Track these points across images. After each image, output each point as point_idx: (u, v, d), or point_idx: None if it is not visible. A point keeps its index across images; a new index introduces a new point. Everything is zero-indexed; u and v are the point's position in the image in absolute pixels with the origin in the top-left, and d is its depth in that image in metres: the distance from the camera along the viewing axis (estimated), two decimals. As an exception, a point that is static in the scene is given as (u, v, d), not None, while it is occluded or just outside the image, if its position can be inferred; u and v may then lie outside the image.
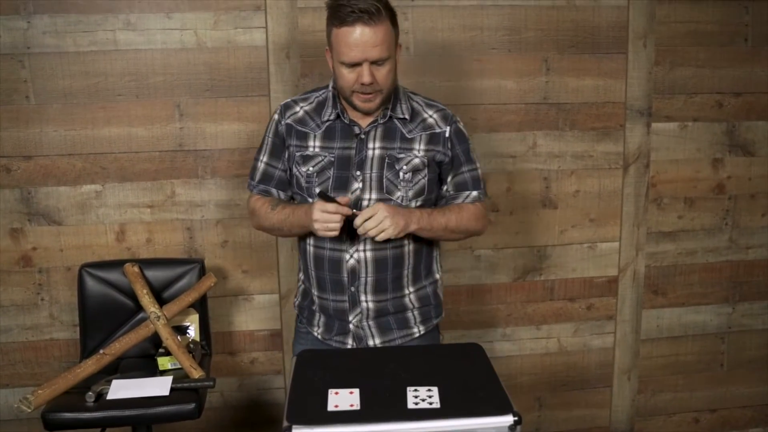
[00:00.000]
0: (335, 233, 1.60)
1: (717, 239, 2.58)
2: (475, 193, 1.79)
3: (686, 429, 2.74)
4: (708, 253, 2.58)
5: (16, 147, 2.21)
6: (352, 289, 1.76)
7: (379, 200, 1.71)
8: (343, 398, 1.40)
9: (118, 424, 1.81)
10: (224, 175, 2.30)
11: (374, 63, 1.59)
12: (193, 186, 2.30)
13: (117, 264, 2.16)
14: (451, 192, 1.79)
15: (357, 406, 1.38)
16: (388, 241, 1.69)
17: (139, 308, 2.10)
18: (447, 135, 1.75)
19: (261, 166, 1.80)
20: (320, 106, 1.75)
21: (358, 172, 1.71)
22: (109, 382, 1.89)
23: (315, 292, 1.80)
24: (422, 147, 1.73)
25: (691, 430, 2.73)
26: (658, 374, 2.67)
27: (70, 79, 2.19)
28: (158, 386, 1.87)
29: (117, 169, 2.26)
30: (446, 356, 1.64)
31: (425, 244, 1.80)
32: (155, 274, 2.16)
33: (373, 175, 1.71)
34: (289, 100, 1.80)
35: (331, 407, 1.38)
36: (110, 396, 1.83)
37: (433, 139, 1.74)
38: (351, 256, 1.74)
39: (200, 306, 2.17)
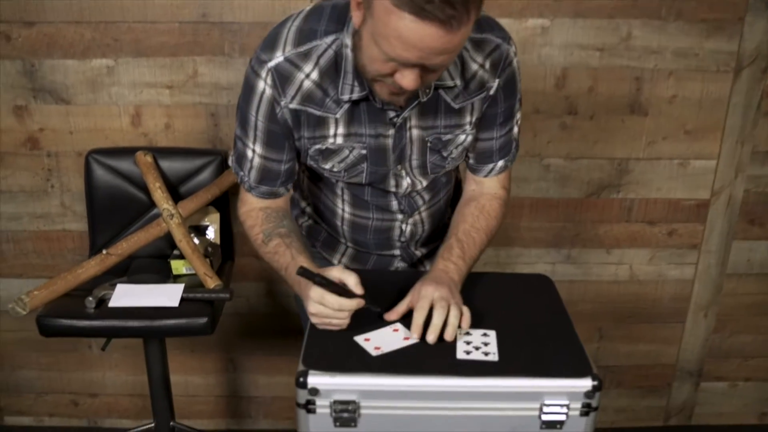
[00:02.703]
0: (340, 328, 1.16)
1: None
2: (501, 163, 1.39)
3: (763, 375, 2.42)
4: (822, 178, 2.16)
5: (16, 11, 1.89)
6: (403, 240, 1.48)
7: (427, 187, 1.40)
8: (375, 338, 1.12)
9: (118, 334, 1.60)
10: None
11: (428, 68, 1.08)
12: (218, 65, 1.97)
13: (129, 152, 1.88)
14: (472, 162, 1.41)
15: (389, 350, 1.10)
16: (438, 190, 1.43)
17: (154, 203, 1.84)
18: (493, 92, 1.29)
19: (256, 159, 1.29)
20: (331, 70, 1.19)
21: (399, 167, 1.33)
22: (113, 287, 1.66)
23: (345, 241, 1.50)
24: (475, 117, 1.31)
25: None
26: (739, 314, 2.33)
27: (76, -72, 1.84)
28: (167, 295, 1.63)
29: (131, 42, 1.94)
30: (507, 290, 1.33)
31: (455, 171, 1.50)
32: (172, 166, 1.89)
33: (414, 162, 1.33)
34: (280, 58, 1.18)
35: (359, 349, 1.10)
36: (112, 303, 1.61)
37: (485, 100, 1.30)
38: (407, 224, 1.45)
39: (222, 204, 1.90)
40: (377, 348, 1.09)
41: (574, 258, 2.22)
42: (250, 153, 1.29)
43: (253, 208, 1.35)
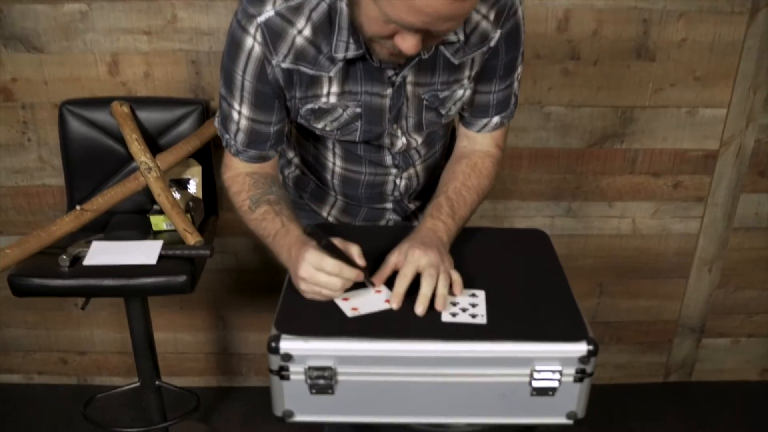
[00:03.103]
0: (333, 298, 1.05)
1: None
2: (496, 119, 1.29)
3: (766, 331, 2.36)
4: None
5: (-21, -51, 1.78)
6: (396, 195, 1.39)
7: (423, 142, 1.31)
8: (354, 298, 1.05)
9: (94, 294, 1.54)
10: (236, -4, 1.84)
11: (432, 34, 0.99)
12: (198, 9, 1.85)
13: (105, 102, 1.78)
14: (466, 116, 1.30)
15: (366, 311, 1.02)
16: (434, 143, 1.35)
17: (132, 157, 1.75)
18: (494, 43, 1.18)
19: (243, 122, 1.19)
20: (325, 25, 1.09)
21: (395, 126, 1.24)
22: (88, 244, 1.58)
23: (335, 194, 1.41)
24: (474, 71, 1.21)
25: (772, 331, 2.36)
26: (745, 268, 2.25)
27: None
28: (145, 252, 1.55)
29: (104, -17, 1.82)
30: (499, 246, 1.25)
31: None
32: (150, 116, 1.79)
33: (410, 122, 1.24)
34: (270, 12, 1.08)
35: (335, 311, 1.03)
36: (87, 261, 1.53)
37: (487, 53, 1.20)
38: (402, 178, 1.36)
39: (204, 156, 1.81)
40: (354, 309, 1.01)
41: (575, 211, 2.13)
42: (236, 115, 1.19)
43: (239, 173, 1.25)
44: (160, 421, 1.89)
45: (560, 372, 0.97)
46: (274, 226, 1.15)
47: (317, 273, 1.02)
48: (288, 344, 0.95)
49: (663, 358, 2.38)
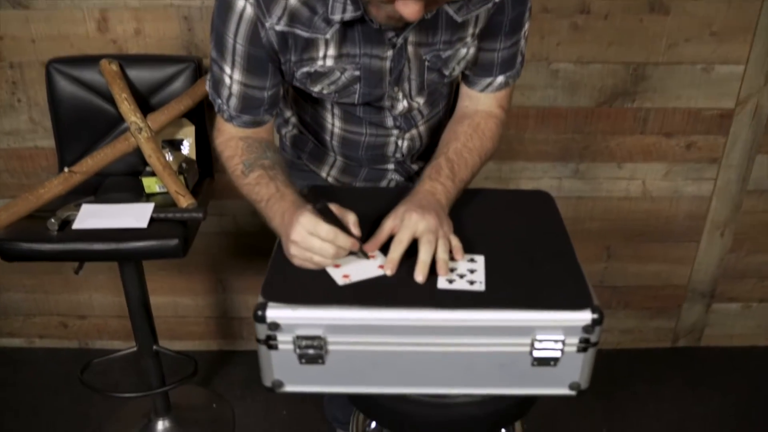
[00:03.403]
0: (325, 266, 0.99)
1: None
2: (501, 78, 1.22)
3: (779, 295, 2.31)
4: None
5: None
6: (398, 156, 1.33)
7: (425, 102, 1.24)
8: (345, 264, 1.00)
9: (84, 258, 1.50)
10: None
11: None
12: (189, -39, 1.77)
13: (92, 60, 1.71)
14: (469, 74, 1.22)
15: (359, 279, 0.97)
16: (437, 102, 1.29)
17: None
18: None
19: (235, 87, 1.13)
20: None
21: (396, 88, 1.18)
22: (78, 207, 1.54)
23: (335, 155, 1.35)
24: (478, 29, 1.14)
25: (785, 295, 2.30)
26: (758, 232, 2.18)
27: None
28: (135, 215, 1.51)
29: (90, -66, 1.74)
30: (501, 208, 1.19)
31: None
32: (141, 75, 1.72)
33: (412, 83, 1.17)
34: None
35: (325, 278, 0.98)
36: (76, 225, 1.49)
37: (492, 8, 1.13)
38: (404, 139, 1.29)
39: (197, 116, 1.75)
40: (345, 276, 0.96)
41: (583, 173, 2.06)
42: (228, 80, 1.13)
43: (231, 137, 1.19)
44: (159, 385, 1.87)
45: (563, 342, 0.92)
46: (268, 191, 1.09)
47: (310, 238, 0.96)
48: (275, 312, 0.91)
49: (671, 324, 2.33)
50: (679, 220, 2.15)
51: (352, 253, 0.98)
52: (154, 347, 1.83)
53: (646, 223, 2.15)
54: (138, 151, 1.65)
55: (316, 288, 0.94)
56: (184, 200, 1.55)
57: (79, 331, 2.35)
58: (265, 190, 1.09)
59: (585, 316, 0.91)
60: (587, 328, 0.91)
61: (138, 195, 1.65)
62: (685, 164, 2.05)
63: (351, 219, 1.01)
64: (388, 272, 0.96)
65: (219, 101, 1.17)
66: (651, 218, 2.14)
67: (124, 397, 2.02)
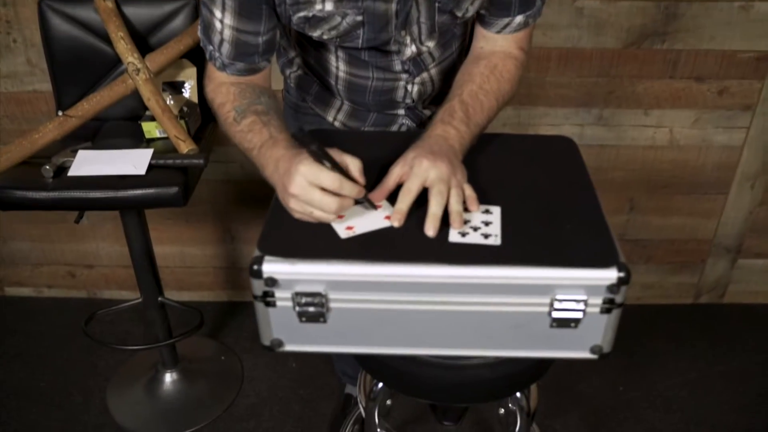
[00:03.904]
0: (327, 221, 0.90)
1: None
2: (520, 18, 1.11)
3: (809, 249, 2.21)
4: None
5: None
6: (408, 102, 1.24)
7: (437, 44, 1.14)
8: (350, 215, 0.92)
9: (80, 207, 1.44)
10: None
11: None
12: None
13: (87, -4, 1.61)
14: (484, 13, 1.11)
15: (363, 231, 0.89)
16: (450, 43, 1.19)
17: (121, 58, 1.60)
18: None
19: (227, 32, 1.04)
20: None
21: (403, 32, 1.08)
22: (74, 153, 1.47)
23: (342, 99, 1.25)
24: None
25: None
26: (791, 183, 2.07)
27: None
28: (134, 162, 1.43)
29: None
30: (519, 154, 1.10)
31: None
32: (138, 12, 1.62)
33: (421, 27, 1.06)
34: None
35: (327, 229, 0.90)
36: (72, 172, 1.42)
37: None
38: (414, 84, 1.19)
39: (199, 57, 1.65)
40: (349, 228, 0.88)
41: (607, 119, 1.94)
42: (218, 24, 1.03)
43: (223, 83, 1.09)
44: (165, 337, 1.84)
45: (585, 302, 0.84)
46: (261, 138, 1.00)
47: (311, 189, 0.87)
48: (272, 267, 0.83)
49: (694, 279, 2.25)
50: (707, 171, 2.04)
51: (356, 202, 0.90)
52: (159, 299, 1.78)
53: (672, 174, 2.04)
54: (137, 95, 1.56)
55: (316, 241, 0.87)
56: (185, 146, 1.47)
57: (87, 281, 2.32)
58: (257, 137, 1.00)
59: (610, 275, 0.83)
60: (612, 288, 0.83)
61: (138, 141, 1.57)
62: (716, 111, 1.93)
63: (355, 165, 0.92)
64: (396, 224, 0.89)
65: (210, 48, 1.07)
66: (677, 169, 2.03)
67: (128, 349, 1.99)
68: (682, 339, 2.15)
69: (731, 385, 1.99)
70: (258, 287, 0.85)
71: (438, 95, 1.26)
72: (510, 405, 1.13)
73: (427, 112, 1.29)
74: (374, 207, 0.91)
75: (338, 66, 1.18)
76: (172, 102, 1.58)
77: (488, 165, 1.03)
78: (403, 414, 1.84)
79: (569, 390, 1.94)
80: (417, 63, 1.18)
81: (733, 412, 1.90)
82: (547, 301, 0.84)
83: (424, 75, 1.20)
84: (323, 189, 0.87)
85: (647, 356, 2.07)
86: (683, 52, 1.83)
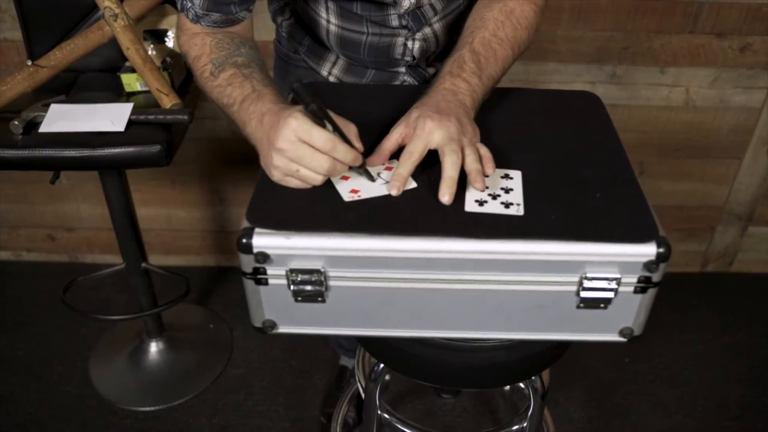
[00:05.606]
0: (313, 184, 0.79)
1: None
2: None
3: (822, 216, 2.12)
4: None
5: None
6: (408, 59, 1.12)
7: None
8: (356, 177, 0.81)
9: (52, 166, 1.32)
10: None
11: None
12: None
13: (59, -67, 1.47)
14: None
15: (369, 195, 0.79)
16: None
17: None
18: None
19: None
20: None
21: None
22: (46, 107, 1.34)
23: (336, 53, 1.13)
24: None
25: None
26: (809, 148, 1.97)
27: None
28: (111, 117, 1.31)
29: None
30: (539, 112, 0.98)
31: None
32: (116, -47, 1.47)
33: None
34: None
35: (327, 196, 0.80)
36: (44, 128, 1.29)
37: None
38: (414, 40, 1.07)
39: (183, 6, 1.52)
40: (354, 191, 0.77)
41: (620, 77, 1.83)
42: None
43: (197, 33, 0.97)
44: (149, 306, 1.74)
45: (618, 280, 0.75)
46: (242, 92, 0.88)
47: (300, 145, 0.76)
48: (263, 240, 0.73)
49: (702, 247, 2.16)
50: (722, 134, 1.93)
51: (352, 170, 0.79)
52: (143, 265, 1.68)
53: (685, 137, 1.94)
54: (116, 44, 1.43)
55: (314, 210, 0.76)
56: (168, 100, 1.35)
57: (67, 245, 2.21)
58: (238, 91, 0.88)
59: (648, 250, 0.73)
60: (650, 265, 0.73)
61: (117, 94, 1.45)
62: (736, 70, 1.81)
63: (352, 130, 0.80)
64: (394, 192, 0.77)
65: None
66: (692, 131, 1.93)
67: (110, 319, 1.90)
68: (688, 309, 2.07)
69: (738, 358, 1.92)
70: (247, 263, 0.75)
71: (443, 52, 1.14)
72: (521, 385, 1.05)
73: (432, 70, 1.17)
74: (371, 177, 0.80)
75: (329, 19, 1.06)
76: (153, 52, 1.45)
77: (504, 124, 0.92)
78: (399, 386, 1.76)
79: (573, 362, 1.87)
80: (417, 17, 1.06)
81: (740, 384, 1.84)
82: (576, 279, 0.75)
83: (426, 30, 1.08)
84: (315, 147, 0.76)
85: (653, 327, 1.96)
86: (705, 4, 1.71)
